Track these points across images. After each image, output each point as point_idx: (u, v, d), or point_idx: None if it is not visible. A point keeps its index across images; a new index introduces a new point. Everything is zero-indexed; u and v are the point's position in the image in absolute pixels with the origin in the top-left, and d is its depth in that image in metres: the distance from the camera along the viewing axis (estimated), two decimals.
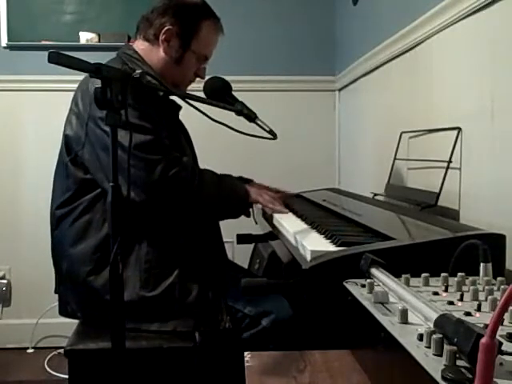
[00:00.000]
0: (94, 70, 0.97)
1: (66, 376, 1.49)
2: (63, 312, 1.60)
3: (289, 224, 1.48)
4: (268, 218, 1.76)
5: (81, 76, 1.50)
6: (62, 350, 1.60)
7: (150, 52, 1.65)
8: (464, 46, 1.51)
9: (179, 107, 1.72)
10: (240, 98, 1.66)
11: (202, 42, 1.66)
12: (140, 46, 1.67)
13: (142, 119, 1.45)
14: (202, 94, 1.61)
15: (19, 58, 2.92)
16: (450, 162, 1.48)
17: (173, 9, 1.63)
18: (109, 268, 1.46)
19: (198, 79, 1.73)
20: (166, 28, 1.62)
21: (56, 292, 1.64)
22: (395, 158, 1.91)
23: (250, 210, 1.68)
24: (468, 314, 0.74)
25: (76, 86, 1.60)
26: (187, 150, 1.68)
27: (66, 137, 1.58)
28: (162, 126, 1.52)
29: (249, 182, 1.93)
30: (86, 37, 2.92)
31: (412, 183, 1.85)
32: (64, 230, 1.57)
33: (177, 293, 1.49)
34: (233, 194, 1.60)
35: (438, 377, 0.56)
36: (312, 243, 1.19)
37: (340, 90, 3.00)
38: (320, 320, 1.19)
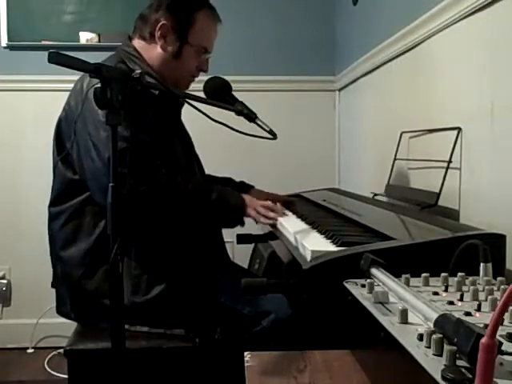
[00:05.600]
0: (93, 69, 0.97)
1: (66, 376, 1.49)
2: (60, 311, 1.60)
3: (289, 224, 1.48)
4: None
5: None
6: (61, 350, 1.60)
7: (148, 50, 1.63)
8: (464, 46, 1.51)
9: (181, 104, 1.70)
10: (240, 98, 1.65)
11: (198, 33, 1.63)
12: (137, 44, 1.65)
13: None
14: (201, 94, 1.61)
15: (19, 57, 2.92)
16: (450, 161, 1.48)
17: (166, 3, 1.62)
18: (102, 270, 1.47)
19: (198, 78, 1.72)
20: (160, 23, 1.61)
21: (53, 286, 1.63)
22: (395, 158, 1.91)
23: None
24: (468, 314, 0.74)
25: None
26: (180, 155, 1.64)
27: (56, 134, 1.57)
28: (145, 130, 1.47)
29: (250, 188, 1.91)
30: (86, 37, 2.92)
31: (412, 183, 1.85)
32: (55, 232, 1.57)
33: (167, 300, 1.48)
34: (226, 209, 1.55)
35: (438, 377, 0.56)
36: (312, 243, 1.19)
37: (340, 90, 3.00)
38: (320, 320, 1.19)
